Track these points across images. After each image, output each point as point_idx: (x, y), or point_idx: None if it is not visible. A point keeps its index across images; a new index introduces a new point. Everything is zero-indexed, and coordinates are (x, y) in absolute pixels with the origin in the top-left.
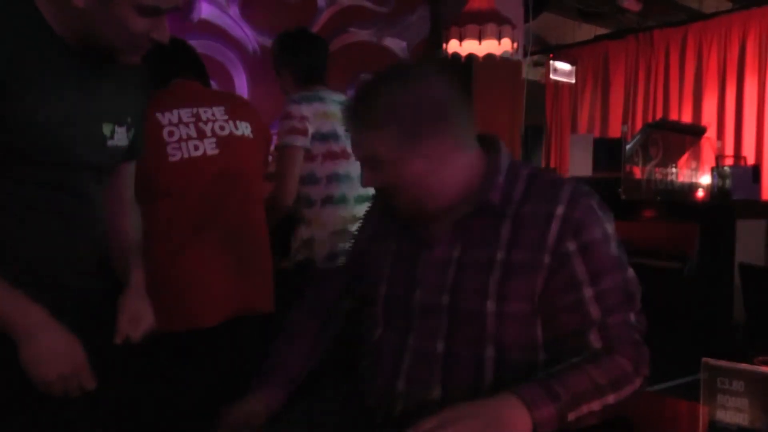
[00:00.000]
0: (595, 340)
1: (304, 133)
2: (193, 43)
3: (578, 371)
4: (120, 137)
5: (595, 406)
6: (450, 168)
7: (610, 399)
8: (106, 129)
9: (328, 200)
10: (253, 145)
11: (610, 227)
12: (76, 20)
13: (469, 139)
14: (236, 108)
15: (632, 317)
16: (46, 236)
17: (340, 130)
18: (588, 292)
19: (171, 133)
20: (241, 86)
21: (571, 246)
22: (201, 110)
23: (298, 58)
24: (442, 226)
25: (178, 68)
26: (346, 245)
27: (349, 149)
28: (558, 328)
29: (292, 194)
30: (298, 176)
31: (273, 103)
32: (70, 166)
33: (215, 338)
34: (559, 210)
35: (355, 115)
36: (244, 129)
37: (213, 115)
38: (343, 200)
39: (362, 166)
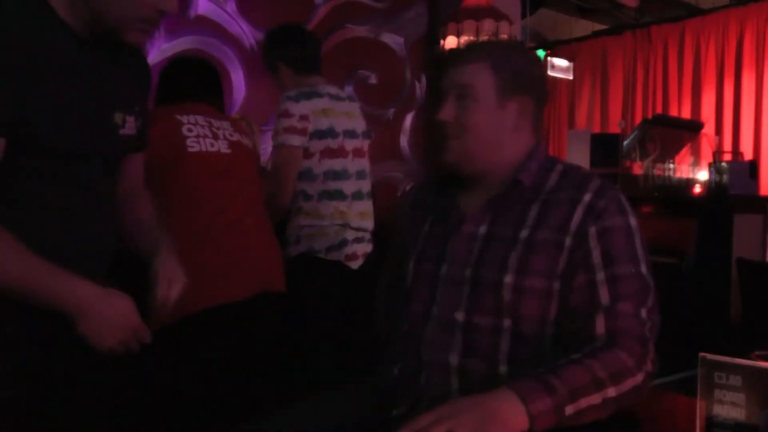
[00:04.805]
0: (600, 326)
1: (303, 132)
2: (189, 39)
3: (577, 365)
4: (130, 126)
5: (595, 399)
6: (515, 138)
7: (611, 392)
8: (118, 118)
9: (325, 195)
10: (251, 154)
11: (633, 221)
12: (86, 4)
13: (537, 123)
14: (238, 126)
15: (643, 313)
16: (59, 233)
17: (338, 126)
18: (600, 275)
19: (190, 130)
20: (238, 82)
21: (591, 229)
22: (212, 120)
23: (293, 48)
24: (475, 204)
25: (196, 90)
26: (349, 236)
27: (347, 146)
28: (569, 307)
29: (290, 194)
30: (296, 176)
31: (269, 99)
32: (84, 156)
33: (242, 312)
34: (586, 197)
35: (469, 48)
36: (247, 142)
37: (222, 125)
38: (339, 195)
39: (446, 96)
